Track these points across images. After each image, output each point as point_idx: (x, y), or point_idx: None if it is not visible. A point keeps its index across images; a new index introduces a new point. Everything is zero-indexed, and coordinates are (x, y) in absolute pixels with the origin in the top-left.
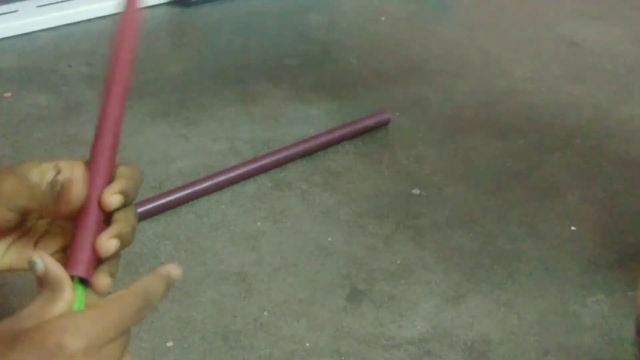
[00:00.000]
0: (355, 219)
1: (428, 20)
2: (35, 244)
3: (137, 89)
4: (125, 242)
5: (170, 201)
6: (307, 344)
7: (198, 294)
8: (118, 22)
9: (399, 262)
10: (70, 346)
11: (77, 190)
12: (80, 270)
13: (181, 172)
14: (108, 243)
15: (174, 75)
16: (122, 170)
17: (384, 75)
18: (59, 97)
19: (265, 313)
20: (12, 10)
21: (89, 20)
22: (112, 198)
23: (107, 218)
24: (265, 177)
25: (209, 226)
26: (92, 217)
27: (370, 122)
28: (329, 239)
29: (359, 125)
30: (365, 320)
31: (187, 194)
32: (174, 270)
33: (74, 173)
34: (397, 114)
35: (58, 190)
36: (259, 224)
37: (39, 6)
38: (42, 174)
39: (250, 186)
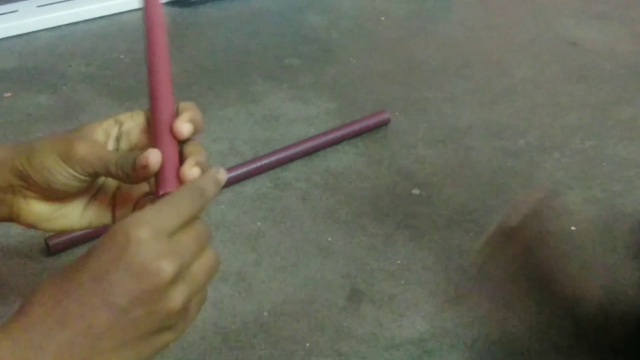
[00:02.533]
0: (355, 219)
1: (428, 20)
2: (111, 200)
3: (136, 90)
4: (204, 170)
5: None
6: (307, 344)
7: None
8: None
9: (399, 262)
10: (137, 235)
11: (154, 159)
12: (171, 186)
13: None
14: (192, 171)
15: (174, 75)
16: (184, 105)
17: (384, 75)
18: (59, 97)
19: (265, 313)
20: (12, 10)
21: (89, 20)
22: (184, 126)
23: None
24: (265, 177)
25: (209, 226)
26: (170, 147)
27: (370, 122)
28: (329, 239)
29: (359, 125)
30: (365, 320)
31: None
32: (221, 173)
33: (135, 120)
34: (397, 114)
35: (131, 160)
36: (259, 224)
37: (39, 6)
38: (106, 132)
39: (250, 186)
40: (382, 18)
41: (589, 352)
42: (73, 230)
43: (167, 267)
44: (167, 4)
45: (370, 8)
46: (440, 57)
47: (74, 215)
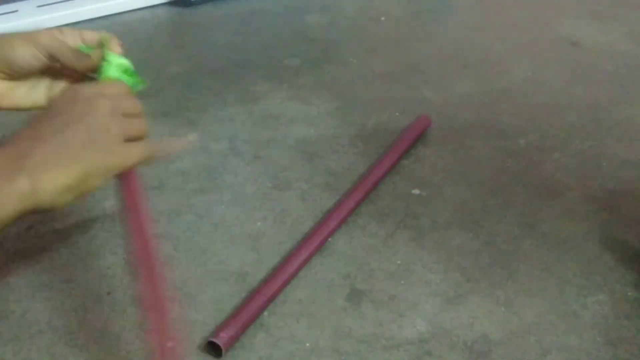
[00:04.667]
0: (355, 219)
1: (428, 20)
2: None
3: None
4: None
5: None
6: (307, 344)
7: (198, 294)
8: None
9: (399, 262)
10: (83, 88)
11: (97, 53)
12: None
13: (181, 172)
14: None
15: (174, 75)
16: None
17: (384, 75)
18: None
19: (265, 313)
20: (12, 10)
21: (89, 20)
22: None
23: None
24: (265, 177)
25: (209, 226)
26: None
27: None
28: (329, 239)
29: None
30: (365, 320)
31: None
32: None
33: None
34: (397, 114)
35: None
36: (259, 224)
37: (39, 6)
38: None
39: (250, 186)
40: (382, 18)
41: (590, 350)
42: (18, 109)
43: (103, 100)
44: (167, 4)
45: (370, 8)
46: (440, 57)
47: (24, 95)
